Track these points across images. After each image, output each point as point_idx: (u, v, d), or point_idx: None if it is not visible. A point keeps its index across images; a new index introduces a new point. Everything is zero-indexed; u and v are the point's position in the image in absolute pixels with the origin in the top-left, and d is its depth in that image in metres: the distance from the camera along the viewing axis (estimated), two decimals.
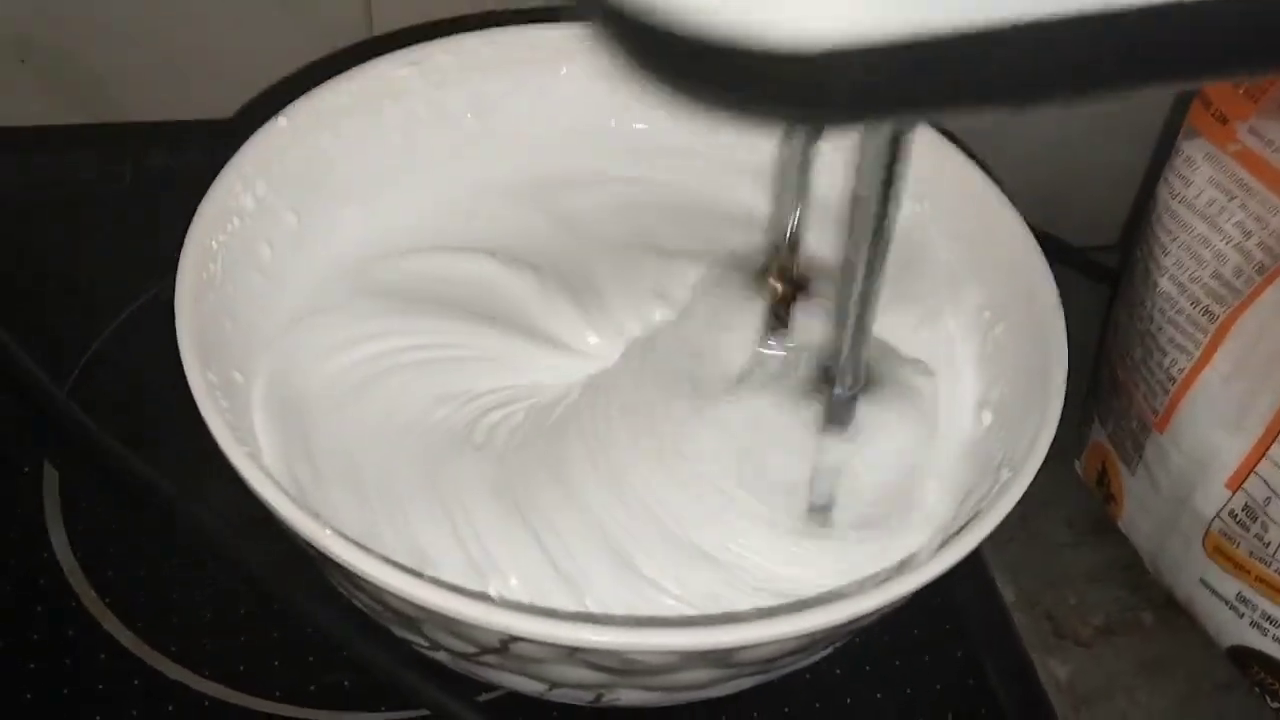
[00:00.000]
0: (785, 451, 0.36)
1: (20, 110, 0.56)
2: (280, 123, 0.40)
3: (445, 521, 0.36)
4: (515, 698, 0.39)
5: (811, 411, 0.36)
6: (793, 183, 0.37)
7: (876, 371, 0.37)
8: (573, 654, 0.31)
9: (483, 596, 0.33)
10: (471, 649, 0.32)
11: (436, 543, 0.36)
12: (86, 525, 0.42)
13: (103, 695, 0.38)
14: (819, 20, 0.19)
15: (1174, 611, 0.48)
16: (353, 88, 0.42)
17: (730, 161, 0.46)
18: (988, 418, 0.40)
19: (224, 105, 0.57)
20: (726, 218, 0.45)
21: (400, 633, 0.35)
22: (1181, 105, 0.48)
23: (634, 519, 0.36)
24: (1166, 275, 0.45)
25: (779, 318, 0.39)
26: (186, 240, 0.36)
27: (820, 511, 0.36)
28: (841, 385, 0.35)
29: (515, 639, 0.30)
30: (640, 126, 0.47)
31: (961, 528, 0.33)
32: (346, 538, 0.30)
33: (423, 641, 0.34)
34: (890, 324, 0.43)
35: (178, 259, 0.36)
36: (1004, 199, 0.42)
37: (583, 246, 0.44)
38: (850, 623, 0.30)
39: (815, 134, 0.36)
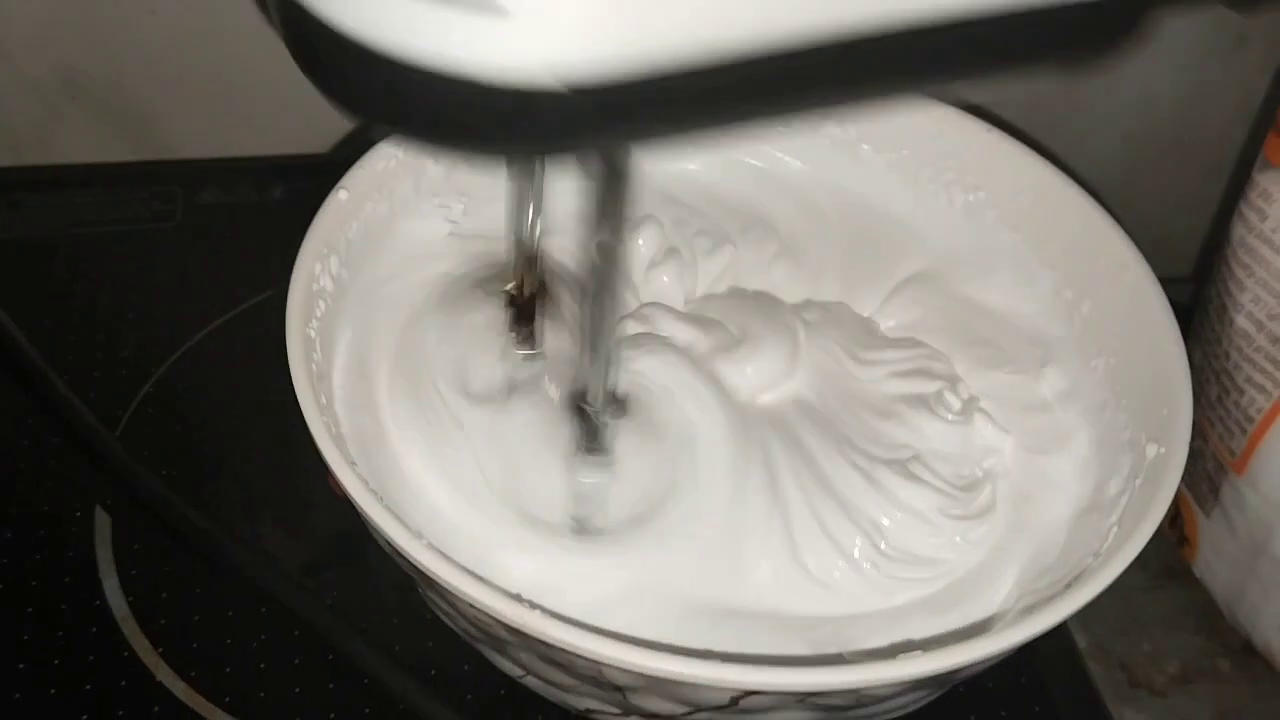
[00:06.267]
0: (542, 471, 0.36)
1: (70, 148, 0.55)
2: (340, 196, 0.39)
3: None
4: None
5: (566, 434, 0.37)
6: (525, 193, 0.36)
7: (627, 395, 0.38)
8: (805, 699, 0.30)
9: (715, 656, 0.33)
10: (681, 710, 0.31)
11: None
12: (139, 572, 0.41)
13: None
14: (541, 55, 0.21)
15: (1252, 658, 0.47)
16: (398, 151, 0.41)
17: None
18: (1106, 390, 0.40)
19: (272, 143, 0.56)
20: None
21: (581, 701, 0.34)
22: (1257, 136, 0.46)
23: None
24: (1243, 312, 0.44)
25: (523, 327, 0.39)
26: (289, 338, 0.35)
27: (581, 525, 0.36)
28: (592, 410, 0.35)
29: (752, 693, 0.29)
30: None
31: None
32: (571, 621, 0.29)
33: (613, 709, 0.33)
34: None
35: (285, 356, 0.35)
36: (1067, 180, 0.42)
37: None
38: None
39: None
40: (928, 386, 0.41)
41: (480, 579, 0.30)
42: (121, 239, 0.52)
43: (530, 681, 0.35)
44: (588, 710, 0.35)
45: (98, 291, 0.50)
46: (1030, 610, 0.32)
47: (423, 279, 0.42)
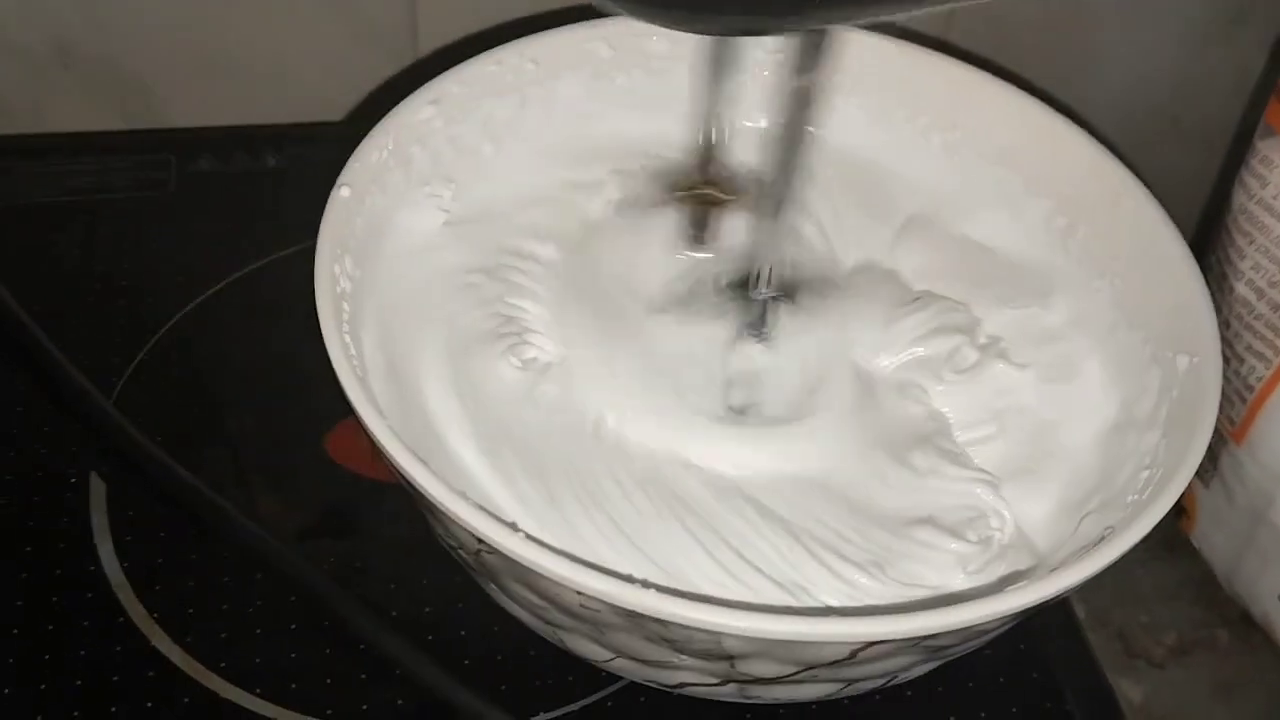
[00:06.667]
0: (703, 361, 0.37)
1: (63, 116, 0.55)
2: (343, 193, 0.38)
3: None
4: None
5: (725, 320, 0.37)
6: (712, 89, 0.36)
7: (794, 277, 0.38)
8: (919, 643, 0.30)
9: (833, 613, 0.33)
10: (790, 670, 0.31)
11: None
12: (134, 538, 0.41)
13: (151, 713, 0.37)
14: None
15: (1250, 629, 0.47)
16: (387, 141, 0.40)
17: None
18: (1114, 310, 0.41)
19: (266, 111, 0.56)
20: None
21: (676, 676, 0.33)
22: (1257, 104, 0.46)
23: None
24: (1244, 280, 0.44)
25: (699, 229, 0.39)
26: (329, 347, 0.34)
27: (740, 411, 0.37)
28: (758, 288, 0.36)
29: (874, 644, 0.29)
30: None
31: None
32: (686, 594, 0.29)
33: (710, 680, 0.33)
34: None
35: (331, 370, 0.33)
36: (1044, 108, 0.43)
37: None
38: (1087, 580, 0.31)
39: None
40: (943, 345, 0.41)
41: (602, 569, 0.29)
42: (115, 207, 0.52)
43: (618, 664, 0.34)
44: (680, 684, 0.34)
45: (92, 260, 0.49)
46: (1117, 526, 0.33)
47: (430, 274, 0.41)
